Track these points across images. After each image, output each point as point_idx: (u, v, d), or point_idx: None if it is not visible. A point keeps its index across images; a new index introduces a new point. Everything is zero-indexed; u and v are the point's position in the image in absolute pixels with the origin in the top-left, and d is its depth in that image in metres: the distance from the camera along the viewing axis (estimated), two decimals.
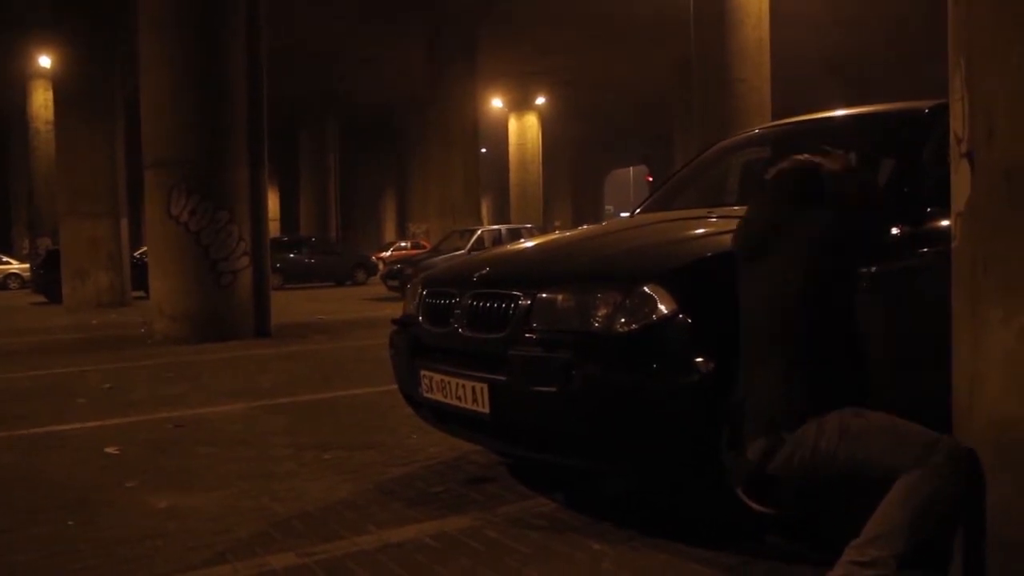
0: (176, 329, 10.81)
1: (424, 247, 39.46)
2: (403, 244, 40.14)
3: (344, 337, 11.22)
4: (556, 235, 4.75)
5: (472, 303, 3.42)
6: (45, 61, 23.24)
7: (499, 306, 3.29)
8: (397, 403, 4.40)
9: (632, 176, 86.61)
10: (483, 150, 29.80)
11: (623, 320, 2.94)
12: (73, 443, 5.27)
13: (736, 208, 4.13)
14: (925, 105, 4.12)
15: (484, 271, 3.56)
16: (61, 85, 19.82)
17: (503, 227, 20.17)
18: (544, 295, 3.17)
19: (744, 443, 2.63)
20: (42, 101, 26.70)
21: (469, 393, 3.29)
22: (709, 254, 3.17)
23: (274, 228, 31.65)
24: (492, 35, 25.36)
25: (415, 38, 25.15)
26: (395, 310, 13.68)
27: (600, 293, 3.02)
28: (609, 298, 2.99)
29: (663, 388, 2.89)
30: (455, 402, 3.39)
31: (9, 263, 31.98)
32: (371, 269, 25.82)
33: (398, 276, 18.24)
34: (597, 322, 2.99)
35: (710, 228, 3.59)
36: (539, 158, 36.74)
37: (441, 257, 18.20)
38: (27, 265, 29.72)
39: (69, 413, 6.25)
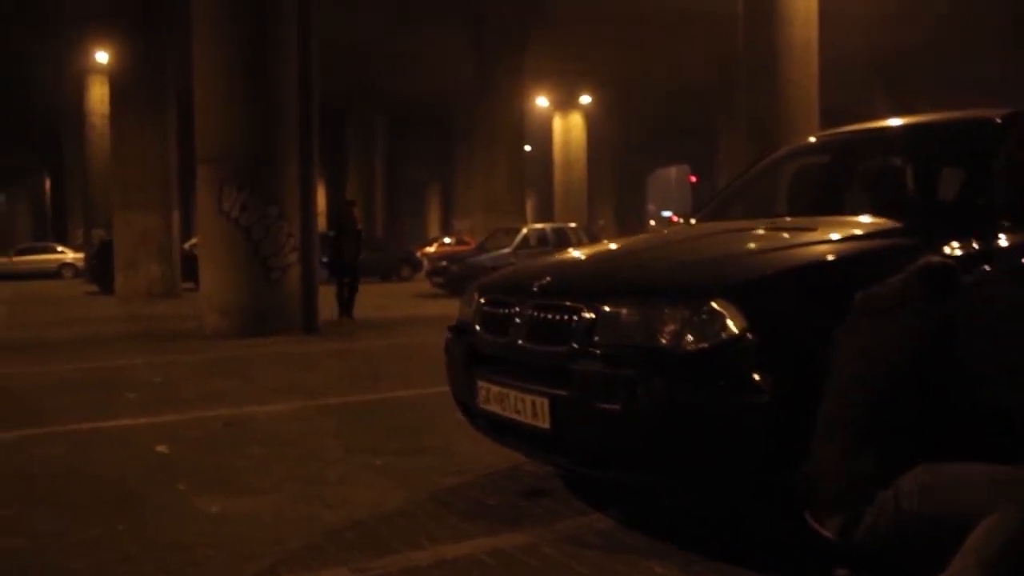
0: (225, 323, 10.87)
1: (468, 243, 39.64)
2: (447, 240, 40.27)
3: (391, 334, 11.20)
4: (616, 243, 4.63)
5: (532, 314, 3.32)
6: (102, 56, 23.57)
7: (561, 318, 3.19)
8: (448, 407, 4.33)
9: (674, 175, 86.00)
10: (527, 148, 29.76)
11: (691, 337, 2.83)
12: (122, 439, 5.28)
13: (800, 220, 4.01)
14: (996, 114, 3.95)
15: (544, 281, 3.46)
16: (117, 80, 20.12)
17: (548, 226, 20.05)
18: (608, 309, 3.06)
19: (820, 512, 2.52)
20: (98, 96, 27.06)
21: (529, 407, 3.20)
22: (780, 270, 3.04)
23: (320, 222, 31.79)
24: (538, 33, 25.28)
25: (461, 34, 25.14)
26: (441, 308, 13.69)
27: (667, 308, 2.91)
28: (676, 314, 2.88)
29: (731, 409, 2.77)
30: (514, 415, 3.30)
31: (64, 252, 32.65)
32: (416, 265, 25.85)
33: (444, 273, 18.22)
34: (664, 338, 2.88)
35: (778, 241, 3.46)
36: (584, 157, 36.56)
37: (487, 256, 18.19)
38: (81, 255, 30.28)
39: (119, 408, 6.28)
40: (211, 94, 11.05)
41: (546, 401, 3.12)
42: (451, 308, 13.77)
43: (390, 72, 32.79)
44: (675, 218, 68.45)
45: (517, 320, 3.38)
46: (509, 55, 24.34)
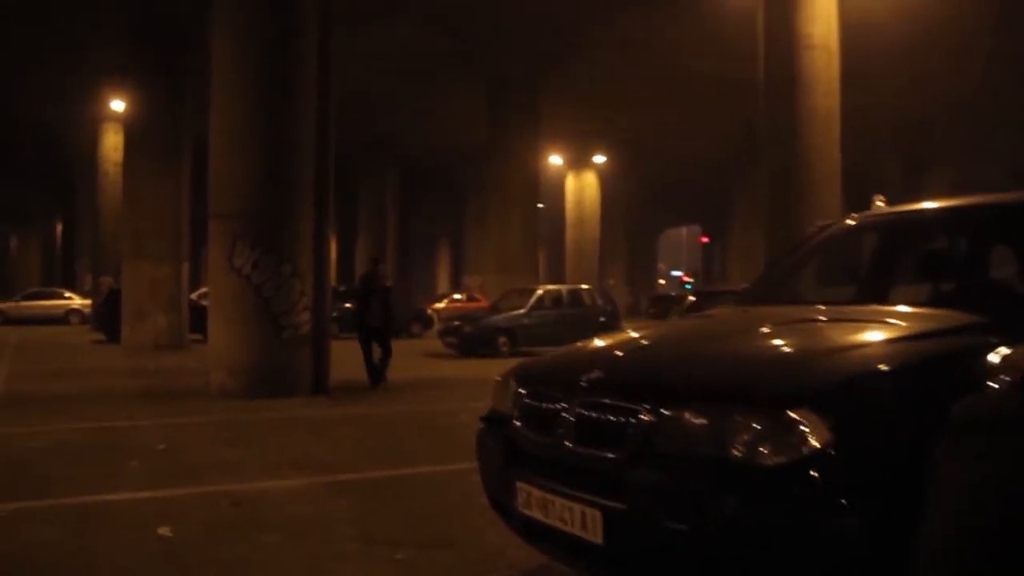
0: (233, 382, 10.57)
1: (479, 300, 39.44)
2: (457, 296, 40.06)
3: (403, 398, 10.84)
4: (665, 328, 4.32)
5: (582, 413, 3.00)
6: (117, 105, 23.63)
7: (615, 420, 2.88)
8: (471, 488, 4.00)
9: (685, 235, 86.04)
10: (540, 205, 29.67)
11: (767, 450, 2.51)
12: (122, 518, 4.94)
13: (867, 310, 3.70)
14: None
15: (595, 375, 3.15)
16: (131, 129, 20.13)
17: (563, 287, 19.78)
18: (669, 412, 2.74)
19: None
20: (112, 143, 27.13)
21: (578, 517, 2.87)
22: (864, 373, 2.72)
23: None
24: (553, 92, 25.35)
25: (476, 91, 25.21)
26: (455, 369, 13.37)
27: (739, 416, 2.60)
28: (749, 423, 2.56)
29: (814, 534, 2.45)
30: (558, 524, 2.97)
31: (71, 298, 32.47)
32: (427, 322, 25.53)
33: (456, 333, 17.92)
34: (735, 450, 2.56)
35: (852, 337, 3.14)
36: (597, 216, 36.54)
37: (500, 316, 17.91)
38: (88, 301, 30.08)
39: (120, 478, 5.95)
40: (225, 148, 10.89)
41: (599, 513, 2.79)
42: (464, 369, 13.46)
43: (403, 127, 32.96)
44: (686, 278, 68.29)
45: (564, 418, 3.06)
46: (524, 113, 24.39)
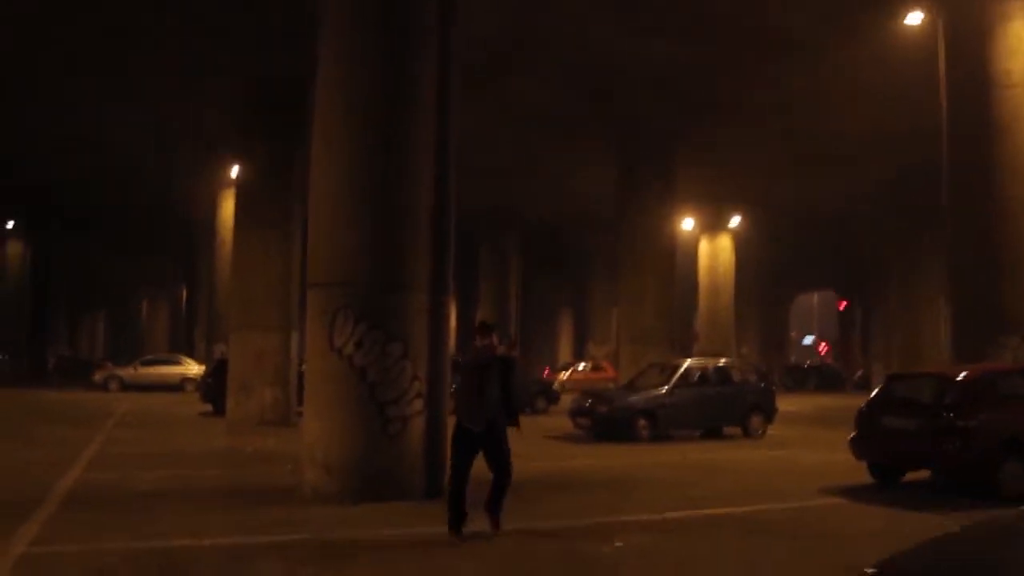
0: (329, 482, 8.78)
1: (604, 369, 37.20)
2: (581, 366, 37.95)
3: (540, 509, 8.62)
4: None
5: None
6: (235, 171, 22.98)
7: None
8: None
9: (816, 301, 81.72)
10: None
11: None
12: None
13: None
14: None
15: None
16: (242, 197, 19.27)
17: (710, 362, 17.44)
18: None
19: None
20: (228, 211, 26.58)
21: None
22: None
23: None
24: (688, 155, 23.42)
25: (606, 156, 23.50)
26: (594, 460, 10.93)
27: None
28: None
29: None
30: None
31: (188, 365, 31.93)
32: (553, 398, 23.47)
33: (590, 414, 15.81)
34: None
35: None
36: (731, 282, 34.00)
37: (639, 396, 15.77)
38: (204, 368, 29.37)
39: None
40: (326, 208, 9.28)
41: None
42: (601, 459, 11.08)
43: (528, 193, 31.51)
44: (825, 347, 64.27)
45: None
46: (659, 177, 22.43)
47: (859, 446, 10.30)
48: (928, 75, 15.29)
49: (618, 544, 6.92)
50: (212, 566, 6.03)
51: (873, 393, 10.82)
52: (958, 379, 9.76)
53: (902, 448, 9.76)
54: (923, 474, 10.30)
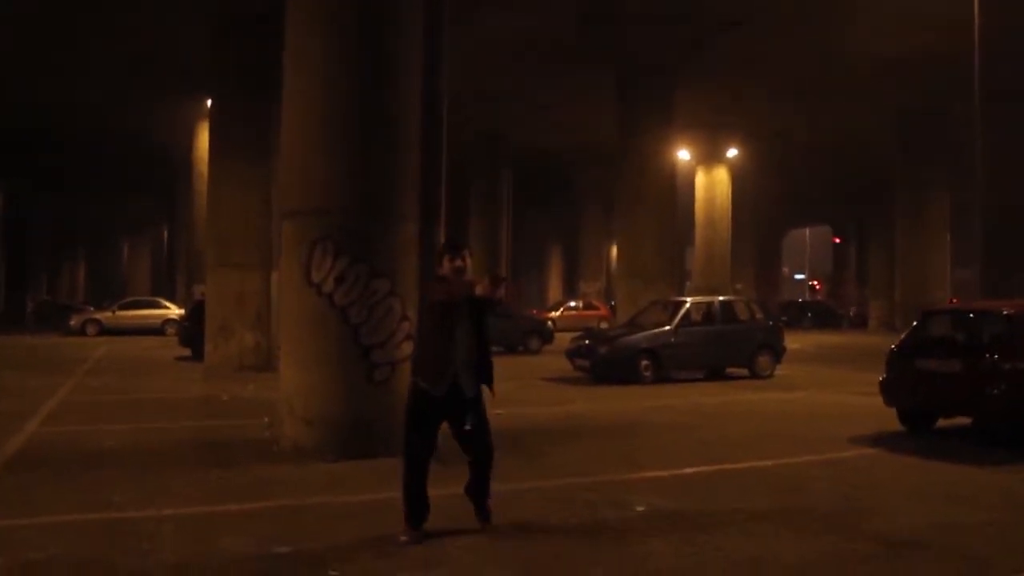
0: (310, 436, 7.86)
1: (597, 308, 36.36)
2: (573, 304, 37.07)
3: (545, 464, 7.71)
4: None
5: None
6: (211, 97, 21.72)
7: None
8: None
9: (809, 237, 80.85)
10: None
11: None
12: None
13: None
14: None
15: None
16: (216, 128, 17.96)
17: (715, 299, 16.48)
18: None
19: None
20: (206, 144, 25.31)
21: None
22: None
23: None
24: (684, 84, 22.24)
25: (601, 85, 22.27)
26: (594, 403, 9.46)
27: None
28: None
29: None
30: None
31: (168, 308, 30.95)
32: (547, 336, 22.58)
33: (588, 354, 14.92)
34: None
35: None
36: (728, 216, 32.99)
37: (642, 335, 14.87)
38: (183, 311, 28.41)
39: None
40: (301, 120, 8.18)
41: None
42: (602, 403, 9.88)
43: (520, 123, 30.29)
44: (818, 285, 63.57)
45: None
46: (658, 104, 21.21)
47: (890, 391, 9.42)
48: None
49: (639, 508, 6.03)
50: (166, 545, 5.11)
51: (906, 332, 9.89)
52: (1004, 315, 8.82)
53: (939, 393, 8.87)
54: (955, 421, 9.48)
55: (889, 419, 9.61)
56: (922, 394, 9.11)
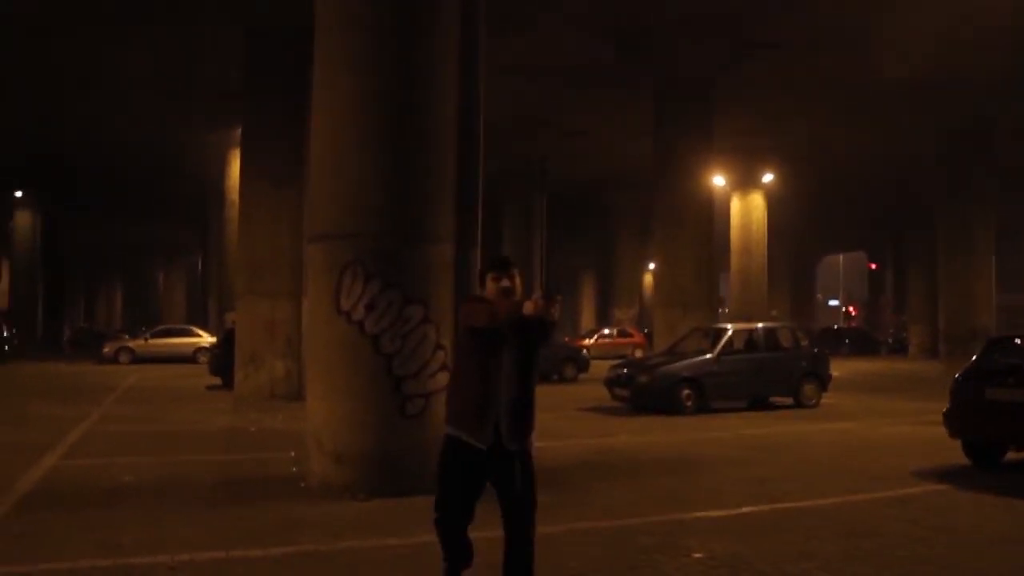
0: (339, 473, 7.41)
1: (631, 335, 35.71)
2: (607, 331, 36.46)
3: (591, 503, 7.21)
4: None
5: None
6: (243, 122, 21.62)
7: None
8: None
9: (842, 263, 79.78)
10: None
11: None
12: None
13: None
14: None
15: None
16: (247, 153, 17.77)
17: (759, 325, 15.92)
18: None
19: None
20: (238, 171, 25.24)
21: None
22: None
23: None
24: (722, 109, 21.75)
25: (639, 110, 21.83)
26: (638, 437, 7.95)
27: None
28: None
29: None
30: None
31: (200, 336, 30.76)
32: (583, 365, 22.07)
33: (628, 383, 14.39)
34: None
35: None
36: (764, 242, 32.36)
37: (683, 363, 14.31)
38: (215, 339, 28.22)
39: None
40: (331, 140, 7.81)
41: None
42: (643, 435, 8.43)
43: (555, 148, 29.93)
44: (854, 311, 62.40)
45: None
46: (696, 126, 20.67)
47: (956, 421, 8.82)
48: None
49: (697, 555, 5.51)
50: None
51: (971, 360, 9.29)
52: None
53: (1012, 424, 8.26)
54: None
55: (951, 451, 9.02)
56: (992, 425, 8.50)
